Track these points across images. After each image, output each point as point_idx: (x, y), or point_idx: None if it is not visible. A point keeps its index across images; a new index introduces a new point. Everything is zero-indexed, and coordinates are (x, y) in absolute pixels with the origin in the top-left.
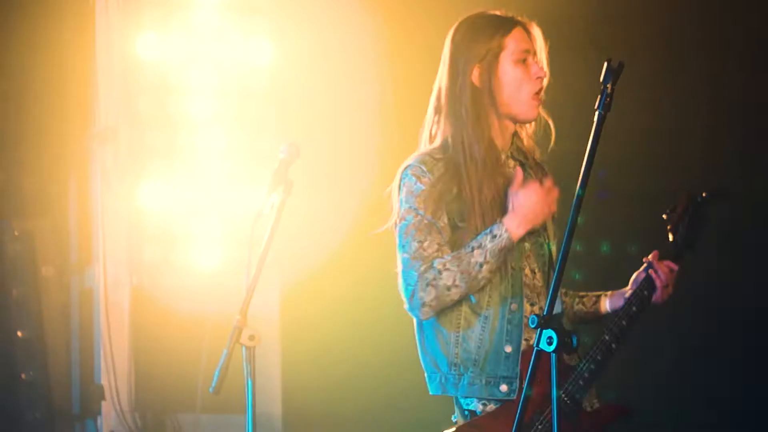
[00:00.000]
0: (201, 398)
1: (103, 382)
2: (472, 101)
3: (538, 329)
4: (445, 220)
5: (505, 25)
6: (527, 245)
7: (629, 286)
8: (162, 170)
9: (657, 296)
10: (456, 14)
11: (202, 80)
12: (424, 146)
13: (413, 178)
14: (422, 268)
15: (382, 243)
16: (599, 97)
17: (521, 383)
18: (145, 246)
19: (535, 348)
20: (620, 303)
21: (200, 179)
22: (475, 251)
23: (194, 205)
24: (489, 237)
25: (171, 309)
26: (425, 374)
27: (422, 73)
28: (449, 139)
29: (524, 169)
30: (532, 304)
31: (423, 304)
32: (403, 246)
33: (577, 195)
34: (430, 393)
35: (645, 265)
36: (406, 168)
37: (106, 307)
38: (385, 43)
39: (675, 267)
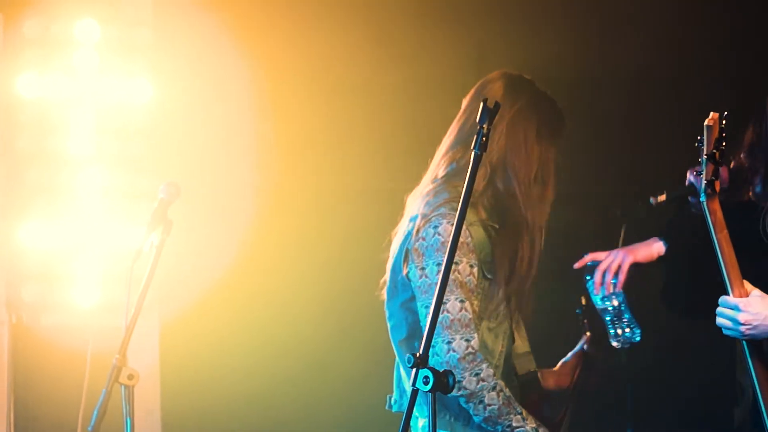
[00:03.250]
0: None
1: None
2: None
3: (415, 369)
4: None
5: None
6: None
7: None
8: (41, 209)
9: None
10: (333, 54)
11: (82, 119)
12: None
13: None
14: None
15: (260, 280)
16: (476, 136)
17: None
18: (25, 284)
19: (412, 388)
20: None
21: (80, 218)
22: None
23: (74, 244)
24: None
25: (50, 347)
26: None
27: (299, 111)
28: None
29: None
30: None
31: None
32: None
33: (454, 232)
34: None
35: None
36: None
37: None
38: (264, 82)
39: None
